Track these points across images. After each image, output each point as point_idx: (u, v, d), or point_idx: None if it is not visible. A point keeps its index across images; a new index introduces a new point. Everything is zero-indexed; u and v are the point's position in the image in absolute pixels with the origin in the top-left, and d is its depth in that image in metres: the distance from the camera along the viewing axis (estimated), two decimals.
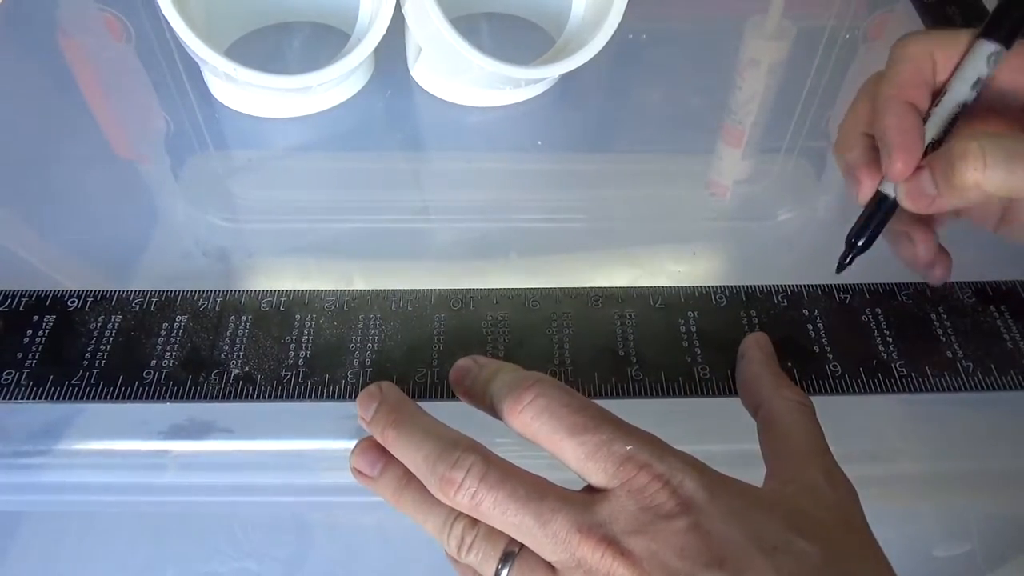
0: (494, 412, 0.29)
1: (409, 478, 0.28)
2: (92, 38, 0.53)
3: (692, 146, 0.45)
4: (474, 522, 0.27)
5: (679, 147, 0.47)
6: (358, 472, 0.29)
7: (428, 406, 0.29)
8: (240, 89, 0.46)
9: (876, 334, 0.35)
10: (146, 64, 0.52)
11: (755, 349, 0.33)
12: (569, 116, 0.50)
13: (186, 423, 0.35)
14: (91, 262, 0.41)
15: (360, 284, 0.39)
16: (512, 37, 0.53)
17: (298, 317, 0.35)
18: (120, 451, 0.35)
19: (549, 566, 0.26)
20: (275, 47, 0.52)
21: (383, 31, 0.43)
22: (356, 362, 0.34)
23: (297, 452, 0.36)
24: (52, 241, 0.42)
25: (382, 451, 0.29)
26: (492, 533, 0.27)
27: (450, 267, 0.41)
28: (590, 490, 0.27)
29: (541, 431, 0.27)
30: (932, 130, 0.32)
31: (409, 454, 0.28)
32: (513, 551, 0.26)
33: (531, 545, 0.26)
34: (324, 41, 0.52)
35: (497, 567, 0.26)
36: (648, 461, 0.26)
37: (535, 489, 0.26)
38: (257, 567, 0.41)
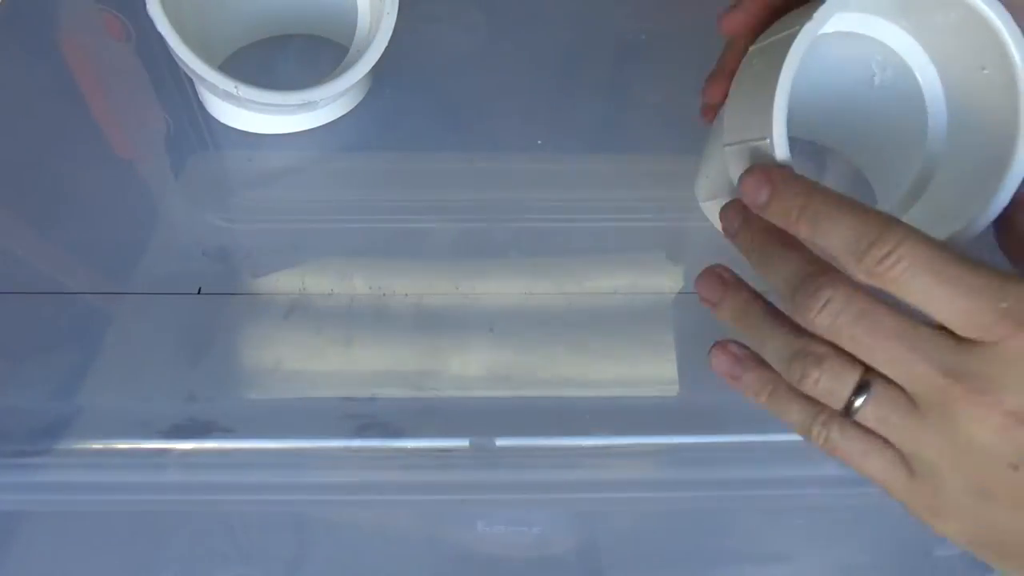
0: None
1: (753, 299, 0.28)
2: (92, 38, 0.53)
3: (692, 146, 0.45)
4: (823, 348, 0.25)
5: (679, 147, 0.47)
6: (701, 298, 0.30)
7: None
8: (237, 106, 0.46)
9: None
10: (146, 64, 0.52)
11: None
12: (570, 116, 0.50)
13: (186, 423, 0.35)
14: (91, 262, 0.41)
15: (361, 284, 0.39)
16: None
17: None
18: (120, 451, 0.35)
19: (909, 398, 0.24)
20: (270, 62, 0.52)
21: (386, 42, 0.43)
22: None
23: (297, 452, 0.36)
24: (52, 241, 0.42)
25: (722, 280, 0.29)
26: (843, 361, 0.25)
27: (450, 267, 0.41)
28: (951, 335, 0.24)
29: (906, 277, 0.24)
30: None
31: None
32: (868, 381, 0.25)
33: (893, 373, 0.24)
34: (320, 54, 0.52)
35: (849, 398, 0.25)
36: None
37: (903, 317, 0.24)
38: (256, 567, 0.41)
